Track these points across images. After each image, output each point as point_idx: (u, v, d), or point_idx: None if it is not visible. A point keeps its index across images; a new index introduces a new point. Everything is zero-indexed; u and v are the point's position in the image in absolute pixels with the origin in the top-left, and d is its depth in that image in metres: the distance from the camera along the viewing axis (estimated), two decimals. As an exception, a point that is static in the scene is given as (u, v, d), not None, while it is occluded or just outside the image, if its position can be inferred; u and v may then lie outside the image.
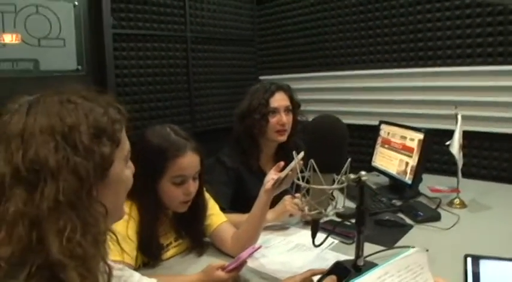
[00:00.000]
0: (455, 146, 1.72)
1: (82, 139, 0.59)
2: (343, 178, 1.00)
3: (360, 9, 2.69)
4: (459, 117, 1.73)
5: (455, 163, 1.79)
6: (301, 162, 1.06)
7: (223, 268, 1.12)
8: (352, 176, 1.02)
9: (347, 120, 1.04)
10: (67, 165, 0.57)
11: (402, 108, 2.47)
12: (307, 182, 1.01)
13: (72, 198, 0.57)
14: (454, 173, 1.82)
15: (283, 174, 1.19)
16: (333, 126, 1.03)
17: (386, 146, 2.09)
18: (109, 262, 0.65)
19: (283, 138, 1.76)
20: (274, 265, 1.27)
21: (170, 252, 1.33)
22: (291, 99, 1.80)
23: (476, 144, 2.24)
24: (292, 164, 1.16)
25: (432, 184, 1.97)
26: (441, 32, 2.32)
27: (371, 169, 2.13)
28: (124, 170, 0.70)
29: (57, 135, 0.58)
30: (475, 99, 2.17)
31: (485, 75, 2.16)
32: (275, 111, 1.74)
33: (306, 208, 1.04)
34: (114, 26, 2.31)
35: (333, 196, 1.06)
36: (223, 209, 1.46)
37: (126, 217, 1.19)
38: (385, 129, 2.14)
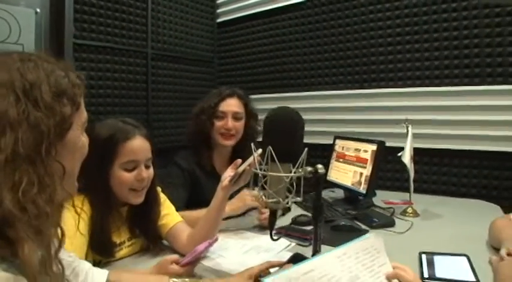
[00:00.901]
0: (406, 156, 1.80)
1: (43, 96, 0.59)
2: (300, 170, 1.02)
3: (311, 35, 2.82)
4: (409, 129, 1.82)
5: (407, 180, 1.86)
6: (259, 158, 1.06)
7: (177, 262, 1.09)
8: (309, 168, 1.03)
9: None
10: (27, 118, 0.56)
11: (356, 127, 2.56)
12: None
13: (31, 152, 0.56)
14: (406, 189, 1.88)
15: (240, 169, 1.20)
16: (287, 114, 1.05)
17: (341, 159, 2.14)
18: (61, 229, 0.62)
19: (228, 142, 1.79)
20: (232, 265, 1.24)
21: (123, 251, 1.28)
22: (246, 106, 1.83)
23: (426, 161, 2.34)
24: (250, 160, 1.18)
25: (386, 198, 2.03)
26: (392, 56, 2.47)
27: (326, 184, 2.16)
28: (81, 137, 0.71)
29: (18, 89, 0.57)
30: (424, 117, 2.29)
31: (434, 95, 2.30)
32: (222, 115, 1.76)
33: (264, 198, 1.04)
34: (75, 36, 2.28)
35: (291, 187, 1.07)
36: (179, 210, 1.43)
37: (77, 210, 1.14)
38: (339, 144, 2.20)
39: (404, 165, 1.80)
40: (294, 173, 1.01)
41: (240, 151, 1.77)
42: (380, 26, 2.51)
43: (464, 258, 1.23)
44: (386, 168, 2.44)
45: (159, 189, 1.38)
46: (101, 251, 1.19)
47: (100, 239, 1.18)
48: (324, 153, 2.39)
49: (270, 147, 0.98)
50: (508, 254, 1.12)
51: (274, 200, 1.02)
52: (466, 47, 2.21)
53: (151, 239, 1.33)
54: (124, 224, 1.30)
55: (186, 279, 1.00)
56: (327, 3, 2.73)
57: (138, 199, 1.24)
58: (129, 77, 2.60)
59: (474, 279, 1.09)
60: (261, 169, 1.02)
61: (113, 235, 1.24)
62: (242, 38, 3.23)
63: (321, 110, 2.73)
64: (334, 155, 2.22)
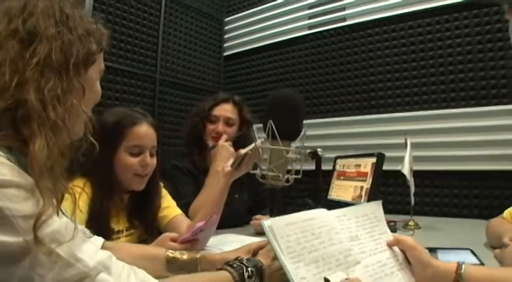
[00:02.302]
0: (406, 168, 1.82)
1: (77, 27, 0.68)
2: (300, 144, 1.05)
3: (313, 66, 2.95)
4: (408, 142, 1.86)
5: (408, 203, 1.87)
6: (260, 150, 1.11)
7: (176, 240, 1.09)
8: (308, 150, 1.07)
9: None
10: (62, 38, 0.64)
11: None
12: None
13: (59, 66, 0.63)
14: (408, 213, 1.88)
15: (243, 151, 1.22)
16: (290, 94, 1.11)
17: (341, 177, 2.15)
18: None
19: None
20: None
21: (120, 240, 1.27)
22: (240, 113, 1.87)
23: (427, 183, 2.35)
24: (252, 145, 1.21)
25: (387, 219, 2.02)
26: (391, 83, 2.57)
27: (326, 202, 2.16)
28: (97, 82, 0.77)
29: (57, 17, 0.66)
30: (423, 140, 2.33)
31: (433, 119, 2.36)
32: (215, 119, 1.80)
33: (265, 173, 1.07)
34: (88, 55, 2.39)
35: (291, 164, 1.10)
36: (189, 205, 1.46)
37: (77, 190, 1.16)
38: (340, 163, 2.22)
39: (403, 175, 1.82)
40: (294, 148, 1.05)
41: None
42: (379, 55, 2.63)
43: (468, 251, 1.23)
44: (388, 191, 2.45)
45: (161, 184, 1.41)
46: (97, 234, 1.19)
47: (98, 222, 1.18)
48: (326, 179, 2.41)
49: (271, 122, 1.02)
50: (512, 241, 1.13)
51: (274, 174, 1.04)
52: (460, 71, 2.31)
53: (149, 231, 1.33)
54: (124, 212, 1.31)
55: (184, 252, 0.99)
56: (328, 35, 2.87)
57: (140, 185, 1.26)
58: (136, 99, 2.69)
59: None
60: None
61: (111, 221, 1.25)
62: (247, 70, 3.35)
63: (324, 137, 2.78)
64: (335, 174, 2.24)
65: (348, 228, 0.85)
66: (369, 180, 1.90)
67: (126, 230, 1.30)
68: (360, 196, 1.92)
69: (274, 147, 1.02)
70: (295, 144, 1.05)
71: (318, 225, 0.78)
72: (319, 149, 1.07)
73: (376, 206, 0.97)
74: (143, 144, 1.25)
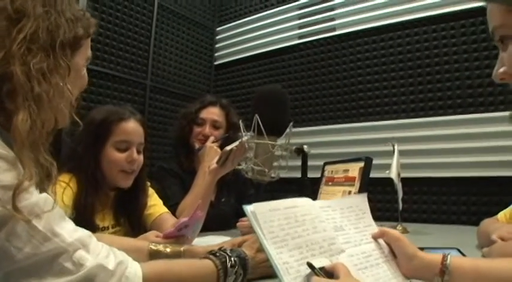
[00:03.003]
0: (393, 172, 1.83)
1: (65, 11, 0.68)
2: (285, 141, 1.05)
3: (303, 75, 2.97)
4: (395, 147, 1.87)
5: (396, 210, 1.87)
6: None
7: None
8: (295, 146, 1.07)
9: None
10: (49, 19, 0.65)
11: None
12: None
13: (47, 43, 0.63)
14: (396, 220, 1.88)
15: (228, 148, 1.22)
16: (275, 88, 1.11)
17: (330, 183, 2.14)
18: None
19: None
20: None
21: (105, 237, 1.25)
22: (227, 116, 1.87)
23: (415, 190, 2.35)
24: (236, 143, 1.21)
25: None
26: (379, 91, 2.59)
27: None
28: (84, 69, 0.78)
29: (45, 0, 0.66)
30: (412, 148, 2.34)
31: (421, 126, 2.38)
32: (202, 122, 1.80)
33: (250, 168, 1.06)
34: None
35: (276, 159, 1.09)
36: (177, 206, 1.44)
37: (63, 185, 1.15)
38: (328, 169, 2.21)
39: (391, 182, 1.82)
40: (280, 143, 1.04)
41: None
42: (367, 64, 2.66)
43: (455, 250, 1.22)
44: (376, 198, 2.45)
45: (148, 183, 1.40)
46: (81, 229, 1.17)
47: (82, 218, 1.17)
48: (314, 188, 2.40)
49: (256, 116, 1.02)
50: (501, 239, 1.13)
51: (260, 168, 1.04)
52: (447, 80, 2.34)
53: (135, 229, 1.32)
54: (110, 209, 1.30)
55: (168, 245, 0.98)
56: (318, 45, 2.91)
57: (127, 182, 1.25)
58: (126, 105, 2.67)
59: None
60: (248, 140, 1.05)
61: (96, 218, 1.23)
62: (238, 79, 3.37)
63: (312, 145, 2.76)
64: (323, 180, 2.23)
65: (332, 218, 0.85)
66: (357, 184, 1.89)
67: (112, 227, 1.29)
68: (348, 201, 1.92)
69: (260, 141, 1.02)
70: (281, 140, 1.05)
71: (301, 213, 0.78)
72: (305, 146, 1.06)
73: (361, 199, 0.97)
74: (130, 139, 1.24)
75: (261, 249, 0.88)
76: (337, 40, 2.82)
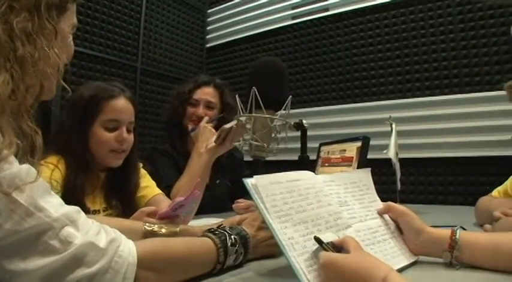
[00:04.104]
0: (391, 151, 1.79)
1: None
2: (285, 111, 1.00)
3: (297, 56, 2.91)
4: (393, 126, 1.83)
5: (393, 191, 1.84)
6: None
7: (154, 214, 1.02)
8: (293, 121, 1.02)
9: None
10: None
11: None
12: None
13: (31, 2, 0.57)
14: (393, 201, 1.82)
15: (228, 125, 1.17)
16: (273, 60, 1.06)
17: (326, 164, 2.11)
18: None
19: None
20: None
21: (96, 221, 1.20)
22: (221, 97, 1.82)
23: (412, 171, 2.33)
24: (236, 121, 1.15)
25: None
26: (374, 71, 2.55)
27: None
28: (70, 37, 0.71)
29: None
30: (408, 128, 2.30)
31: (417, 106, 2.35)
32: (195, 102, 1.75)
33: (248, 144, 1.01)
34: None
35: (275, 133, 1.04)
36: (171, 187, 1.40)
37: (51, 166, 1.09)
38: (324, 150, 2.18)
39: (388, 163, 1.79)
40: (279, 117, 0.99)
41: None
42: (362, 44, 2.61)
43: (459, 228, 1.19)
44: (373, 180, 2.41)
45: (140, 164, 1.34)
46: (71, 214, 1.12)
47: (72, 201, 1.10)
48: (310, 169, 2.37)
49: (254, 89, 0.97)
50: (504, 214, 1.11)
51: (258, 143, 0.99)
52: (444, 59, 2.30)
53: (128, 211, 1.25)
54: (100, 191, 1.24)
55: (163, 225, 0.93)
56: (311, 25, 2.84)
57: (117, 161, 1.20)
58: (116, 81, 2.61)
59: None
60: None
61: (87, 200, 1.18)
62: (230, 61, 3.30)
63: (310, 126, 2.73)
64: (319, 161, 2.19)
65: (336, 193, 0.81)
66: (355, 164, 1.86)
67: (103, 210, 1.23)
68: (346, 181, 1.89)
69: (258, 115, 0.97)
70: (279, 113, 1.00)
71: (305, 187, 0.73)
72: (304, 120, 1.01)
73: (365, 174, 0.93)
74: (120, 118, 1.18)
75: (262, 227, 0.84)
76: (331, 20, 2.76)
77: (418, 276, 0.74)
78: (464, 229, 1.17)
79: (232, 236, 0.75)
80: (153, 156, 1.68)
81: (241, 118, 1.02)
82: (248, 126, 1.00)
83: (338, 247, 0.61)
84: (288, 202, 0.68)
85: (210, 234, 0.73)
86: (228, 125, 1.16)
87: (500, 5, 2.08)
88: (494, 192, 1.49)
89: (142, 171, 1.35)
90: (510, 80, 2.06)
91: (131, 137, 1.23)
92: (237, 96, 1.07)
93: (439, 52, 2.31)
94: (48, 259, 0.49)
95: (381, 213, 0.86)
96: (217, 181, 1.78)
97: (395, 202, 1.75)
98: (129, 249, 0.56)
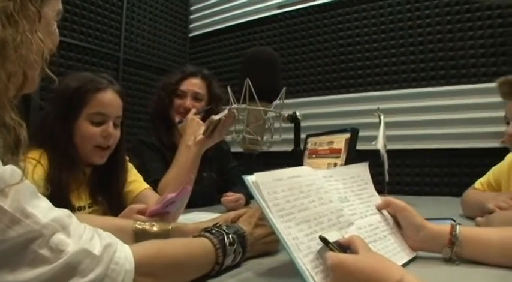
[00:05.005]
0: (380, 143, 1.79)
1: None
2: (279, 102, 0.97)
3: (282, 46, 2.87)
4: (382, 118, 1.83)
5: (380, 182, 1.83)
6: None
7: (144, 212, 0.98)
8: (287, 113, 0.99)
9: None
10: None
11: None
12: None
13: None
14: (380, 192, 1.83)
15: (216, 117, 1.13)
16: (267, 50, 1.02)
17: (313, 155, 2.09)
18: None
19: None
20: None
21: (82, 217, 1.15)
22: (209, 88, 1.77)
23: (398, 163, 2.34)
24: (225, 112, 1.12)
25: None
26: (361, 62, 2.54)
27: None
28: (55, 24, 0.67)
29: None
30: (395, 119, 2.30)
31: (404, 98, 2.35)
32: (182, 94, 1.70)
33: (241, 138, 0.98)
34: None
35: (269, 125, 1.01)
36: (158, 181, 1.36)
37: (33, 162, 1.04)
38: (311, 142, 2.16)
39: (376, 154, 1.78)
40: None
41: None
42: (349, 34, 2.60)
43: (450, 221, 1.19)
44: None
45: (126, 158, 1.29)
46: (54, 210, 1.07)
47: (56, 198, 1.04)
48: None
49: (248, 80, 0.94)
50: (498, 207, 1.12)
51: (252, 136, 0.96)
52: (430, 51, 2.30)
53: (115, 207, 1.21)
54: (85, 187, 1.19)
55: (154, 223, 0.89)
56: (297, 15, 2.81)
57: (101, 159, 1.15)
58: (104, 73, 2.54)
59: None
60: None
61: (71, 196, 1.12)
62: (214, 51, 3.25)
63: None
64: (306, 153, 2.18)
65: (336, 189, 0.79)
66: (343, 156, 1.85)
67: (89, 207, 1.18)
68: (334, 174, 1.88)
69: (251, 107, 0.94)
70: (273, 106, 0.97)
71: (306, 183, 0.71)
72: (297, 113, 0.99)
73: (363, 168, 0.91)
74: (107, 112, 1.13)
75: (259, 224, 0.81)
76: (317, 10, 2.73)
77: (419, 273, 0.72)
78: (454, 221, 1.18)
79: (230, 235, 0.72)
80: (139, 149, 1.63)
81: (232, 109, 0.99)
82: (241, 118, 0.97)
83: (344, 247, 0.59)
84: (290, 200, 0.65)
85: (207, 234, 0.70)
86: (216, 117, 1.12)
87: (499, 5, 2.08)
88: (477, 184, 1.50)
89: (129, 165, 1.30)
90: (497, 73, 2.10)
91: (117, 132, 1.18)
92: (228, 87, 1.03)
93: (426, 44, 2.31)
94: (38, 270, 0.45)
95: (379, 209, 0.84)
96: (205, 174, 1.74)
97: (384, 194, 1.77)
98: (125, 255, 0.52)
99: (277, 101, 0.96)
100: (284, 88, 0.97)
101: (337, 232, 0.63)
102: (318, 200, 0.70)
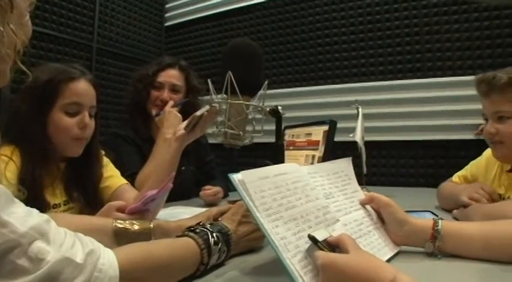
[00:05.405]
0: (358, 135, 1.80)
1: None
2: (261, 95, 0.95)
3: (260, 36, 2.84)
4: (360, 110, 1.84)
5: (359, 174, 1.84)
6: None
7: (123, 209, 0.95)
8: (269, 108, 0.98)
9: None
10: None
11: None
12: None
13: None
14: (360, 183, 1.85)
15: (199, 113, 1.10)
16: (248, 42, 1.00)
17: (291, 147, 2.09)
18: None
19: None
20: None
21: (57, 215, 1.11)
22: (187, 80, 1.73)
23: (374, 154, 2.36)
24: (207, 107, 1.09)
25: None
26: (338, 54, 2.54)
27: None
28: (27, 15, 0.62)
29: None
30: (373, 111, 2.32)
31: (382, 90, 2.37)
32: (160, 85, 1.67)
33: (223, 132, 0.96)
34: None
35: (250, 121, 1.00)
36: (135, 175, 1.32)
37: (5, 159, 0.99)
38: (289, 133, 2.15)
39: (354, 146, 1.79)
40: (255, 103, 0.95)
41: None
42: (326, 26, 2.59)
43: (429, 213, 1.22)
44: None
45: (102, 152, 1.26)
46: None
47: (30, 195, 1.01)
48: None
49: (229, 73, 0.91)
50: (471, 199, 1.14)
51: (234, 131, 0.94)
52: (407, 43, 2.32)
53: (91, 204, 1.17)
54: (60, 183, 1.14)
55: (134, 222, 0.86)
56: (276, 6, 2.78)
57: (78, 150, 1.11)
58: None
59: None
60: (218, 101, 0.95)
61: (46, 193, 1.08)
62: (190, 41, 3.19)
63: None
64: (284, 144, 2.17)
65: (321, 185, 0.78)
66: (321, 148, 1.85)
67: (64, 204, 1.14)
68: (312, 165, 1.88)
69: (233, 101, 0.92)
70: (255, 100, 0.95)
71: (292, 180, 0.70)
72: (279, 107, 0.97)
73: (347, 164, 0.91)
74: (82, 101, 1.09)
75: (242, 221, 0.80)
76: (296, 1, 2.71)
77: (402, 267, 0.73)
78: (434, 214, 1.20)
79: (214, 234, 0.70)
80: (114, 142, 1.58)
81: (214, 104, 0.96)
82: (222, 116, 0.94)
83: (333, 245, 0.58)
84: (276, 198, 0.64)
85: (191, 234, 0.68)
86: (199, 113, 1.09)
87: (496, 6, 2.11)
88: (455, 178, 1.53)
89: (105, 160, 1.26)
90: (472, 66, 2.14)
91: (93, 123, 1.14)
92: (209, 80, 1.00)
93: (403, 37, 2.34)
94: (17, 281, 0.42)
95: (363, 204, 0.84)
96: (183, 168, 1.71)
97: (362, 186, 1.78)
98: (109, 262, 0.50)
99: (261, 91, 0.94)
100: (266, 82, 0.95)
101: (324, 230, 0.63)
102: (304, 197, 0.69)
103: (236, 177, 0.63)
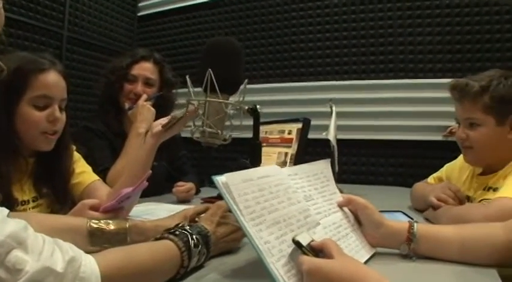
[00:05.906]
0: (331, 133, 1.82)
1: None
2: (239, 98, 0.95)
3: (233, 30, 2.82)
4: (333, 108, 1.86)
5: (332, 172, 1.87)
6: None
7: (97, 208, 0.92)
8: (247, 106, 0.98)
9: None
10: None
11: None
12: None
13: None
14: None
15: (179, 114, 1.07)
16: (228, 39, 0.99)
17: (264, 144, 2.09)
18: None
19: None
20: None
21: (27, 213, 1.06)
22: (161, 73, 1.70)
23: (345, 152, 2.39)
24: (188, 107, 1.07)
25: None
26: (312, 52, 2.56)
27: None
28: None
29: None
30: (349, 110, 2.35)
31: (358, 88, 2.41)
32: (133, 78, 1.63)
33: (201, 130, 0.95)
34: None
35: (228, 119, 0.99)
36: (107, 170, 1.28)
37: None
38: (262, 130, 2.14)
39: (328, 144, 1.82)
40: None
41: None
42: (302, 23, 2.60)
43: (400, 213, 1.25)
44: (314, 160, 2.45)
45: (73, 147, 1.21)
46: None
47: None
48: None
49: (210, 71, 0.90)
50: (438, 200, 1.17)
51: (212, 130, 0.93)
52: (381, 44, 2.36)
53: (61, 200, 1.14)
54: (29, 179, 1.10)
55: (109, 221, 0.83)
56: (251, 0, 2.76)
57: (49, 145, 1.06)
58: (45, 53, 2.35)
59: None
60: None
61: (14, 190, 1.03)
62: (163, 32, 3.13)
63: (247, 104, 2.69)
64: (261, 143, 2.17)
65: (301, 187, 0.78)
66: (294, 146, 1.86)
67: (33, 200, 1.09)
68: (285, 162, 1.88)
69: (212, 99, 0.90)
70: (234, 98, 0.95)
71: (274, 183, 0.70)
72: (258, 106, 0.97)
73: (325, 165, 0.92)
74: (52, 94, 1.04)
75: (221, 222, 0.79)
76: (271, -5, 2.70)
77: (378, 269, 0.74)
78: (405, 214, 1.23)
79: (194, 236, 0.69)
80: (85, 136, 1.53)
81: (193, 102, 0.95)
82: (201, 111, 0.93)
83: (317, 250, 0.58)
84: (260, 202, 0.64)
85: (171, 236, 0.67)
86: (179, 113, 1.07)
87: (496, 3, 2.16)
88: (430, 179, 1.57)
89: (76, 155, 1.22)
90: (442, 69, 2.20)
91: (64, 116, 1.09)
92: (187, 77, 0.98)
93: (377, 37, 2.37)
94: None
95: (341, 206, 0.85)
96: (155, 163, 1.68)
97: (334, 177, 1.80)
98: (91, 269, 0.48)
99: (241, 89, 0.93)
100: (246, 80, 0.94)
101: (307, 234, 0.63)
102: (286, 200, 0.69)
103: (220, 179, 0.62)
